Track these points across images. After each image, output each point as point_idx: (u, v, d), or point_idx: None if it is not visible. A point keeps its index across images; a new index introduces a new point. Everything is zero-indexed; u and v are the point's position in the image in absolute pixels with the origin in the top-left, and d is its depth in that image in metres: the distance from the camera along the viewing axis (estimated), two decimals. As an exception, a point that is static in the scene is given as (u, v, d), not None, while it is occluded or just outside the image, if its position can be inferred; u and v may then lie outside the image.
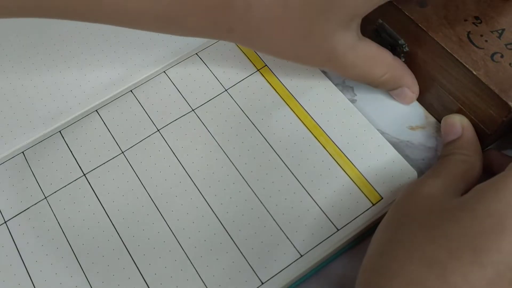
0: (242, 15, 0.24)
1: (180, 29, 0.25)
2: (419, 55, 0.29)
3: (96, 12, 0.23)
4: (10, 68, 0.33)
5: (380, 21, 0.30)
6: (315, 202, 0.27)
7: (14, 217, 0.27)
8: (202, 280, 0.26)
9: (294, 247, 0.26)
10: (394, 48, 0.30)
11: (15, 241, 0.27)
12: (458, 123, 0.28)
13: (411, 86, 0.30)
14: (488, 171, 0.27)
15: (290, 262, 0.26)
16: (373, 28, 0.31)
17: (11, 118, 0.31)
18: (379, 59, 0.28)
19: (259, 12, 0.24)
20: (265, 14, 0.24)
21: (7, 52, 0.33)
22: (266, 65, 0.32)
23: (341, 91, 0.30)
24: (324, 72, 0.31)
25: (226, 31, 0.25)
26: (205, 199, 0.28)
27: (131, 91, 0.31)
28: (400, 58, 0.30)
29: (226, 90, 0.31)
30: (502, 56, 0.26)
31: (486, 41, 0.27)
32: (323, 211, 0.27)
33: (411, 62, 0.30)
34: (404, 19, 0.29)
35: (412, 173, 0.28)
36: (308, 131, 0.29)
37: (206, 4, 0.24)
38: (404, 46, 0.30)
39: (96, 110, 0.31)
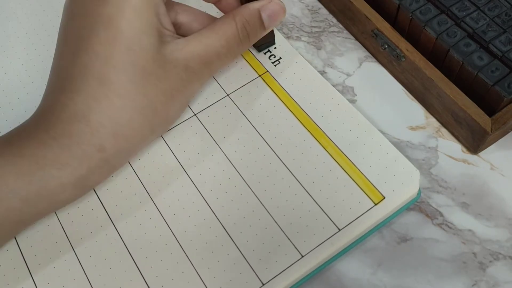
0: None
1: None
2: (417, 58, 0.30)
3: None
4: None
5: (377, 31, 0.31)
6: (316, 203, 0.27)
7: (19, 221, 0.28)
8: (203, 282, 0.26)
9: (295, 248, 0.26)
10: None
11: (19, 245, 0.27)
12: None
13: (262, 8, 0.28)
14: None
15: (291, 263, 0.26)
16: (371, 35, 0.32)
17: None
18: (211, 44, 0.27)
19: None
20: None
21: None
22: (267, 71, 0.32)
23: (341, 91, 0.31)
24: (324, 74, 0.32)
25: (97, 151, 0.25)
26: (206, 202, 0.28)
27: (134, 97, 0.32)
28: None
29: (227, 95, 0.31)
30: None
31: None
32: (324, 212, 0.27)
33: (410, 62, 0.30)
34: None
35: (414, 171, 0.28)
36: (309, 133, 0.30)
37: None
38: (401, 56, 0.30)
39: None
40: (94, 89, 0.24)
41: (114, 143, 0.25)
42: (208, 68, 0.27)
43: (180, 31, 0.30)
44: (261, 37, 0.29)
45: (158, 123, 0.26)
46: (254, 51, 0.33)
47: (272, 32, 0.31)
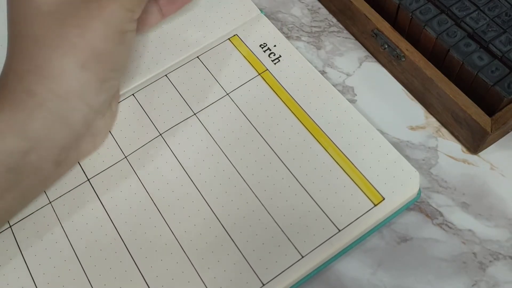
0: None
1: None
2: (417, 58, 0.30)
3: None
4: None
5: (376, 30, 0.31)
6: (316, 203, 0.27)
7: (19, 221, 0.28)
8: (203, 282, 0.26)
9: (295, 248, 0.26)
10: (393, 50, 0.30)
11: (19, 245, 0.27)
12: None
13: None
14: None
15: (291, 264, 0.26)
16: (371, 34, 0.32)
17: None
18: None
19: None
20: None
21: None
22: (267, 69, 0.32)
23: (341, 91, 0.31)
24: (325, 74, 0.32)
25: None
26: (206, 202, 0.28)
27: (133, 94, 0.31)
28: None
29: (227, 94, 0.31)
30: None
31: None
32: (324, 212, 0.27)
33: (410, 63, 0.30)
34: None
35: (413, 173, 0.28)
36: (309, 133, 0.29)
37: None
38: (401, 56, 0.30)
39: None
40: (20, 44, 0.26)
41: (43, 85, 0.25)
42: None
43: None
44: None
45: (88, 59, 0.25)
46: (252, 49, 0.33)
47: None
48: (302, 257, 0.26)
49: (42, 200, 0.28)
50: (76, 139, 0.27)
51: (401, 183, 0.27)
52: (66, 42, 0.25)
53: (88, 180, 0.29)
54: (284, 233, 0.27)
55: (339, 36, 0.35)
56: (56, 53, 0.25)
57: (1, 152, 0.24)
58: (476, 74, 0.28)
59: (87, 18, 0.25)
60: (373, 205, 0.27)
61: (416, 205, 0.29)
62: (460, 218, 0.28)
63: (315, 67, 0.33)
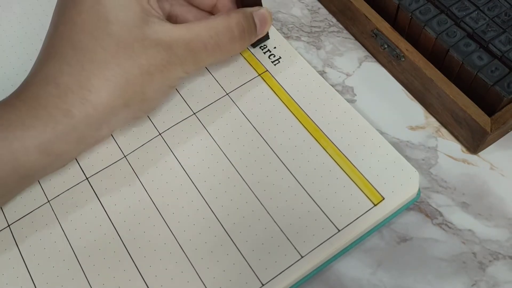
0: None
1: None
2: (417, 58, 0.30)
3: None
4: None
5: (376, 30, 0.31)
6: (316, 203, 0.27)
7: (17, 220, 0.28)
8: (202, 282, 0.26)
9: (295, 248, 0.26)
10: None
11: (17, 244, 0.27)
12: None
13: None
14: None
15: (291, 264, 0.26)
16: (371, 35, 0.32)
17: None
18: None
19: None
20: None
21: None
22: (267, 70, 0.32)
23: (341, 91, 0.31)
24: (324, 74, 0.31)
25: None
26: (206, 202, 0.28)
27: (133, 96, 0.31)
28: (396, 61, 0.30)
29: (227, 94, 0.31)
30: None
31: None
32: (324, 213, 0.27)
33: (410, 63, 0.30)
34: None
35: (413, 173, 0.27)
36: (308, 134, 0.29)
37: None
38: (401, 56, 0.30)
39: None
40: (68, 54, 0.25)
41: (81, 109, 0.25)
42: (193, 55, 0.27)
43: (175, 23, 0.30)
44: (253, 41, 0.30)
45: (132, 97, 0.26)
46: (252, 50, 0.33)
47: None
48: (302, 257, 0.26)
49: (40, 199, 0.28)
50: (86, 150, 0.28)
51: (400, 183, 0.27)
52: (120, 75, 0.25)
53: (87, 179, 0.29)
54: (283, 233, 0.27)
55: (339, 36, 0.35)
56: (106, 81, 0.25)
57: (22, 166, 0.24)
58: (476, 74, 0.28)
59: (151, 65, 0.25)
60: (372, 205, 0.27)
61: (416, 205, 0.29)
62: (460, 218, 0.28)
63: (315, 67, 0.33)
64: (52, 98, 0.24)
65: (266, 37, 0.32)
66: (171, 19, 0.30)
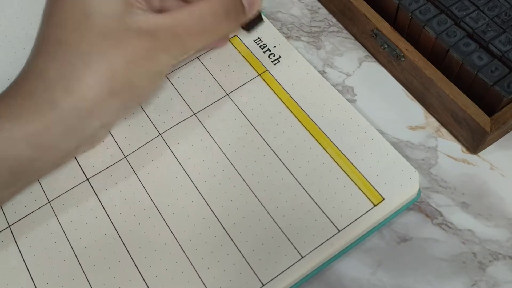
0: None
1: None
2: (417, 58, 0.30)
3: None
4: None
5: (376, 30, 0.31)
6: (316, 203, 0.27)
7: (18, 221, 0.28)
8: (202, 282, 0.26)
9: (295, 248, 0.26)
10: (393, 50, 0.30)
11: (18, 244, 0.27)
12: None
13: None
14: None
15: (291, 264, 0.26)
16: (371, 34, 0.32)
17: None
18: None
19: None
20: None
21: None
22: (267, 70, 0.32)
23: (341, 91, 0.31)
24: (324, 74, 0.31)
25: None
26: (206, 202, 0.28)
27: (133, 96, 0.31)
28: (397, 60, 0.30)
29: (227, 94, 0.31)
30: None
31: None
32: (324, 213, 0.27)
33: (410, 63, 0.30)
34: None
35: (413, 173, 0.27)
36: (309, 134, 0.29)
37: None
38: (401, 56, 0.30)
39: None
40: (54, 50, 0.25)
41: (67, 100, 0.25)
42: (178, 41, 0.26)
43: None
44: (242, 22, 0.29)
45: (119, 87, 0.26)
46: (252, 49, 0.33)
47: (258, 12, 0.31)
48: (302, 257, 0.26)
49: (41, 199, 0.28)
50: (79, 146, 0.27)
51: (400, 183, 0.27)
52: (105, 65, 0.25)
53: (87, 179, 0.29)
54: (283, 233, 0.27)
55: (338, 36, 0.35)
56: (90, 72, 0.25)
57: (10, 158, 0.24)
58: (476, 74, 0.28)
59: (135, 53, 0.25)
60: (372, 205, 0.27)
61: (416, 205, 0.29)
62: (460, 218, 0.28)
63: (315, 67, 0.33)
64: (38, 91, 0.25)
65: (260, 19, 0.31)
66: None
